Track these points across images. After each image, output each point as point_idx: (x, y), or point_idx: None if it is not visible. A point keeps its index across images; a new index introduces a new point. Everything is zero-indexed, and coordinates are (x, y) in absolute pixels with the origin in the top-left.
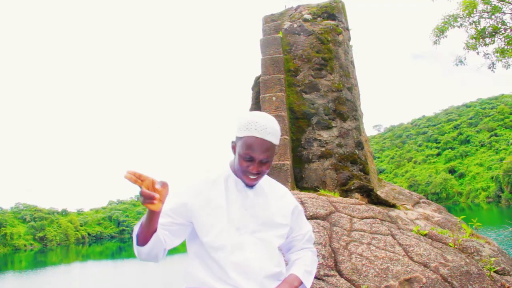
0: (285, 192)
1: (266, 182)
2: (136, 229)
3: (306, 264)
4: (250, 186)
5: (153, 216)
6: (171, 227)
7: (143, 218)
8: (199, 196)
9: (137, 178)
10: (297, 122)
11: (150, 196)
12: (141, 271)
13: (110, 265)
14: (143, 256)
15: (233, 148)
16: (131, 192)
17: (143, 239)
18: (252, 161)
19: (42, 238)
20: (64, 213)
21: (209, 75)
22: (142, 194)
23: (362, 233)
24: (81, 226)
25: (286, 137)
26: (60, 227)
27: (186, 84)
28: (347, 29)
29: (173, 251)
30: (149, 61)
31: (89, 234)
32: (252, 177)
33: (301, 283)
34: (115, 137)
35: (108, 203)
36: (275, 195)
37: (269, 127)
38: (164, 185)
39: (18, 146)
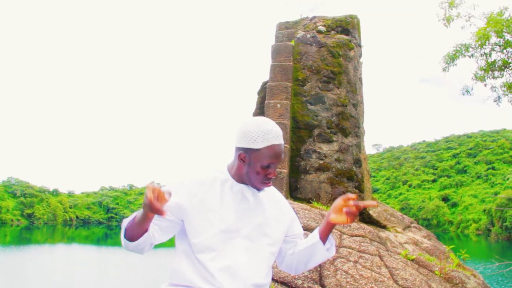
0: (281, 197)
1: None
2: (126, 222)
3: None
4: (260, 190)
5: (149, 220)
6: (162, 223)
7: (138, 216)
8: (194, 197)
9: (154, 193)
10: (299, 132)
11: (159, 211)
12: (125, 260)
13: (94, 250)
14: (129, 248)
15: (243, 159)
16: (124, 180)
17: (133, 236)
18: (271, 167)
19: (30, 215)
20: (55, 193)
21: (216, 76)
22: (151, 205)
23: (350, 250)
24: (70, 208)
25: (286, 145)
26: (49, 206)
27: (193, 84)
28: (359, 46)
29: (159, 245)
30: (158, 59)
31: (77, 217)
32: (268, 182)
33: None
34: (117, 127)
35: (100, 189)
36: (271, 198)
37: (279, 130)
38: (170, 195)
39: (18, 122)
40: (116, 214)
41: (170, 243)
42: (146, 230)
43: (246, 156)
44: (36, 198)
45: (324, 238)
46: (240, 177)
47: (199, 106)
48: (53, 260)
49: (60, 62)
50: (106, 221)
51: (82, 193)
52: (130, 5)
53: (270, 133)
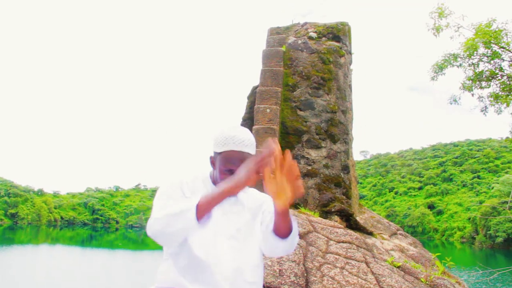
0: (263, 196)
1: (243, 191)
2: (202, 200)
3: None
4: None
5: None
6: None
7: (220, 192)
8: (188, 194)
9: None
10: (288, 137)
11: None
12: (109, 262)
13: (78, 251)
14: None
15: (212, 163)
16: (110, 182)
17: (203, 214)
18: (233, 173)
19: (14, 215)
20: (40, 193)
21: (208, 78)
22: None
23: (337, 256)
24: (55, 208)
25: None
26: (34, 206)
27: (183, 87)
28: (350, 53)
29: (144, 247)
30: (149, 62)
31: (61, 218)
32: None
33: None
34: (104, 128)
35: (86, 190)
36: (253, 199)
37: (246, 140)
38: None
39: (2, 121)
40: (101, 216)
41: (156, 246)
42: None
43: (214, 159)
44: (20, 198)
45: (279, 229)
46: (215, 182)
47: (188, 109)
48: (36, 261)
49: (46, 62)
50: (91, 222)
51: (68, 193)
52: (118, 13)
53: (231, 139)
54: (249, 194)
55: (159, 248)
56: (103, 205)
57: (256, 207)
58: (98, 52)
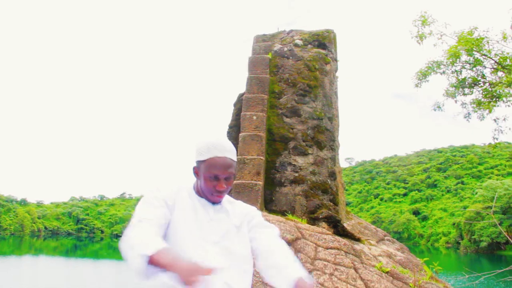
0: (248, 206)
1: (227, 201)
2: (145, 249)
3: (292, 260)
4: (216, 203)
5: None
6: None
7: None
8: (168, 207)
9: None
10: (274, 144)
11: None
12: (95, 272)
13: (62, 262)
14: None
15: (196, 173)
16: (95, 191)
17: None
18: (218, 179)
19: None
20: (23, 203)
21: (194, 85)
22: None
23: (326, 263)
24: (38, 218)
25: (261, 157)
26: (17, 216)
27: (171, 93)
28: (335, 60)
29: None
30: (134, 66)
31: (45, 228)
32: (219, 195)
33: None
34: (89, 137)
35: (70, 199)
36: (237, 208)
37: (227, 146)
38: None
39: None
40: (86, 225)
41: None
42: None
43: (197, 169)
44: (2, 208)
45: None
46: (200, 193)
47: (174, 117)
48: (19, 272)
49: (25, 68)
50: (75, 232)
51: (52, 203)
52: (97, 22)
53: (214, 146)
54: (235, 205)
55: None
56: (87, 214)
57: (240, 214)
58: (79, 60)
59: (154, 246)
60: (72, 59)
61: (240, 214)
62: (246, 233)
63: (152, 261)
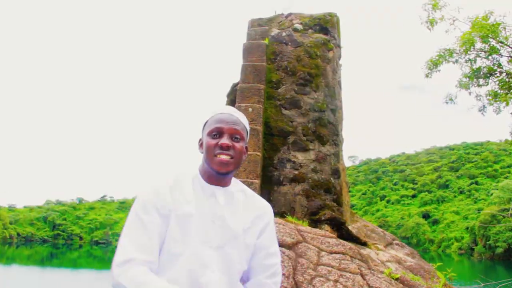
0: (262, 204)
1: (240, 189)
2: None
3: None
4: (221, 172)
5: None
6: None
7: None
8: (166, 208)
9: None
10: (272, 139)
11: None
12: (73, 283)
13: (37, 272)
14: None
15: (201, 145)
16: (73, 193)
17: None
18: (221, 136)
19: None
20: None
21: (184, 74)
22: None
23: (330, 268)
24: (10, 224)
25: (258, 153)
26: None
27: (157, 84)
28: (339, 46)
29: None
30: (117, 56)
31: (18, 234)
32: (223, 156)
33: None
34: (65, 135)
35: (45, 202)
36: (250, 205)
37: (236, 109)
38: None
39: None
40: (63, 231)
41: None
42: None
43: (201, 139)
44: None
45: None
46: (205, 172)
47: (160, 112)
48: None
49: (8, 71)
50: (52, 239)
51: (25, 207)
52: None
53: (221, 108)
54: (248, 197)
55: None
56: (64, 219)
57: (251, 216)
58: (60, 58)
59: None
60: (55, 57)
61: (251, 213)
62: (253, 241)
63: None
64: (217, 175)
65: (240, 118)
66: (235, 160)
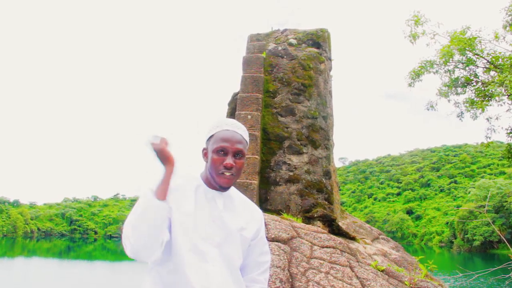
0: (255, 208)
1: (237, 194)
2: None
3: None
4: (223, 187)
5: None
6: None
7: (161, 179)
8: (172, 204)
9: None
10: (269, 144)
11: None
12: (88, 274)
13: (56, 264)
14: (144, 230)
15: (205, 154)
16: (88, 192)
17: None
18: (226, 154)
19: None
20: (16, 204)
21: (188, 85)
22: (163, 153)
23: (322, 261)
24: (31, 219)
25: (256, 156)
26: (9, 218)
27: (165, 92)
28: (330, 59)
29: (122, 258)
30: (126, 64)
31: (38, 229)
32: (227, 173)
33: None
34: (84, 138)
35: (63, 200)
36: (245, 208)
37: (238, 124)
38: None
39: None
40: (79, 226)
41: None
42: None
43: (206, 150)
44: None
45: None
46: (208, 180)
47: (168, 117)
48: (12, 274)
49: (18, 70)
50: (69, 233)
51: (45, 204)
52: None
53: (222, 122)
54: (243, 201)
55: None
56: (81, 215)
57: (246, 219)
58: (71, 58)
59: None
60: (63, 59)
61: (245, 215)
62: (248, 241)
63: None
64: (219, 188)
65: (243, 135)
66: (237, 176)
